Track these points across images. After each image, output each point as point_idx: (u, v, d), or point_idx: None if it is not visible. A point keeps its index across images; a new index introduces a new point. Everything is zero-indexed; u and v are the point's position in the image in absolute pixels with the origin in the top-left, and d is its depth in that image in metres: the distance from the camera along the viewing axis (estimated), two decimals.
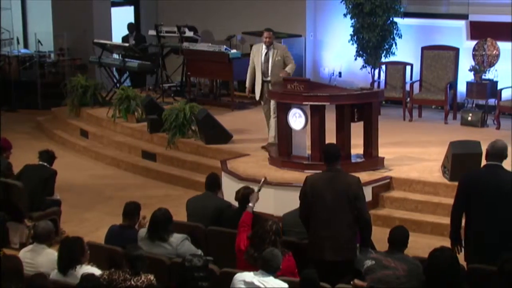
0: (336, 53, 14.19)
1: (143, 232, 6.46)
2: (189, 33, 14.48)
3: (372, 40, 12.82)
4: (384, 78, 13.21)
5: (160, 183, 10.91)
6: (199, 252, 6.18)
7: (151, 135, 11.98)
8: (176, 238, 6.35)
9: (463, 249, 6.38)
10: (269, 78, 10.20)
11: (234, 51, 13.32)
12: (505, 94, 11.87)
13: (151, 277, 5.44)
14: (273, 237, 5.93)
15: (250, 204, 6.67)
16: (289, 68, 10.18)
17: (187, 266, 5.20)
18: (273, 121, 10.23)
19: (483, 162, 8.63)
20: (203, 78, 14.40)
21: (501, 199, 6.09)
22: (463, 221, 6.39)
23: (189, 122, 11.37)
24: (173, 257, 6.16)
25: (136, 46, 14.84)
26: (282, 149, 9.86)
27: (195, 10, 15.41)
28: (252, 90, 10.64)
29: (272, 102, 10.11)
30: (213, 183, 7.46)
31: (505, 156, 6.31)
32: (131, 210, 6.79)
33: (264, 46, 10.28)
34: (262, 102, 10.54)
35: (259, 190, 6.90)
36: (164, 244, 6.30)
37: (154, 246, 6.30)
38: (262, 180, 7.23)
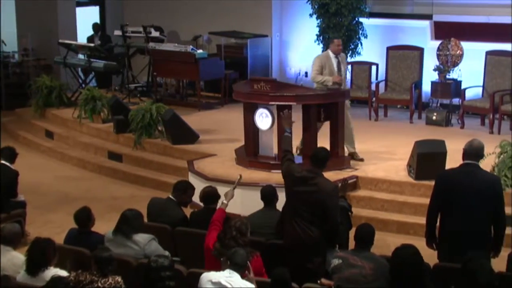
0: (302, 53, 14.23)
1: (109, 234, 6.42)
2: (155, 33, 14.44)
3: None
4: (350, 77, 13.27)
5: (126, 184, 10.86)
6: (167, 253, 6.16)
7: (117, 136, 11.91)
8: (143, 238, 6.32)
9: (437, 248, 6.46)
10: (342, 87, 9.80)
11: (200, 51, 13.30)
12: (469, 94, 12.00)
13: (119, 278, 5.41)
14: (234, 233, 5.92)
15: (224, 201, 6.65)
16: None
17: (154, 267, 5.18)
18: (352, 129, 9.86)
19: (448, 161, 8.84)
20: (169, 78, 14.36)
21: (478, 198, 6.13)
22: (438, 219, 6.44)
23: (155, 122, 11.33)
24: (140, 258, 6.13)
25: (102, 46, 14.75)
26: (249, 149, 9.86)
27: (161, 10, 15.36)
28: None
29: (348, 113, 9.75)
30: (180, 188, 7.42)
31: (481, 156, 6.36)
32: (83, 218, 6.71)
33: (332, 55, 9.79)
34: None
35: (234, 188, 6.89)
36: (131, 244, 6.27)
37: (121, 247, 6.26)
38: (238, 178, 7.21)
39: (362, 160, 9.78)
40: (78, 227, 6.70)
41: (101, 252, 5.54)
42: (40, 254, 5.72)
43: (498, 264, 6.15)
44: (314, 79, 9.85)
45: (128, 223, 6.31)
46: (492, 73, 11.99)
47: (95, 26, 15.79)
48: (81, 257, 6.14)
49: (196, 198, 7.59)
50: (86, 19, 16.01)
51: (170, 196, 7.32)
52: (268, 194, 7.12)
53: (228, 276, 5.29)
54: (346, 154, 9.75)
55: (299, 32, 14.23)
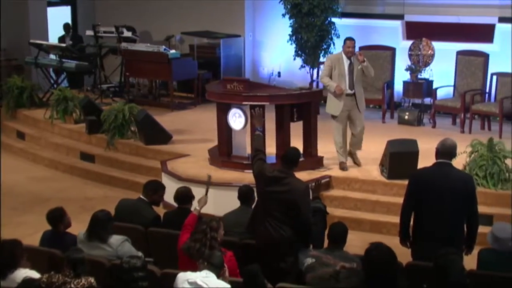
0: (275, 53, 14.26)
1: (81, 234, 6.39)
2: (127, 33, 14.40)
3: (311, 40, 12.93)
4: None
5: (99, 185, 10.80)
6: (140, 253, 6.14)
7: (90, 136, 11.85)
8: (116, 239, 6.29)
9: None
10: (353, 91, 9.30)
11: (173, 51, 13.28)
12: (440, 93, 12.10)
13: (92, 279, 5.38)
14: (203, 227, 5.93)
15: (197, 208, 6.64)
16: (371, 68, 9.37)
17: (126, 268, 5.16)
18: (362, 132, 9.51)
19: (420, 160, 8.90)
20: (142, 79, 14.32)
21: (451, 197, 6.17)
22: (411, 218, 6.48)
23: (128, 122, 11.29)
24: (113, 259, 6.11)
25: (73, 47, 14.66)
26: (222, 149, 9.86)
27: (133, 10, 15.31)
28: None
29: (359, 117, 9.43)
30: (151, 188, 7.40)
31: (454, 154, 6.40)
32: (55, 218, 6.67)
33: (345, 57, 9.32)
34: (338, 118, 9.41)
35: (206, 193, 6.87)
36: (103, 245, 6.24)
37: (93, 248, 6.23)
38: (207, 179, 7.16)
39: (359, 165, 9.67)
40: (52, 228, 6.65)
41: (73, 253, 5.50)
42: (9, 255, 5.66)
43: (471, 261, 6.21)
44: (321, 79, 9.74)
45: (103, 226, 6.27)
46: (463, 73, 12.10)
47: (66, 26, 15.69)
48: (54, 258, 6.10)
49: (169, 199, 7.57)
50: (58, 19, 15.90)
51: (141, 196, 7.29)
52: (245, 194, 7.14)
53: (204, 277, 5.29)
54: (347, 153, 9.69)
55: (272, 32, 14.26)
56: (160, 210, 7.56)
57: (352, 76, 9.25)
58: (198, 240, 5.91)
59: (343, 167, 9.58)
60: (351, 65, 9.26)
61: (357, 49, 9.19)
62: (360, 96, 9.37)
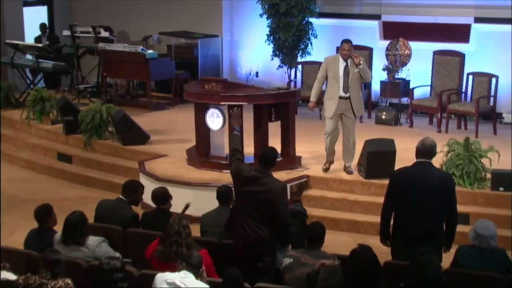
0: (253, 53, 14.27)
1: (58, 235, 6.35)
2: (104, 34, 14.34)
3: (288, 40, 12.96)
4: (300, 77, 13.37)
5: (76, 185, 10.76)
6: (117, 254, 6.12)
7: (67, 137, 11.80)
8: (93, 240, 6.27)
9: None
10: (348, 94, 9.11)
11: (150, 51, 13.25)
12: (417, 93, 12.16)
13: (69, 280, 5.36)
14: (176, 228, 5.92)
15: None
16: (366, 69, 9.16)
17: (106, 269, 5.15)
18: (352, 141, 9.35)
19: (397, 159, 8.95)
20: (119, 79, 14.27)
21: (432, 196, 6.21)
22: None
23: (105, 123, 11.26)
24: (91, 260, 6.08)
25: (50, 47, 14.58)
26: (200, 149, 9.86)
27: (110, 10, 15.24)
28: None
29: (354, 122, 9.30)
30: (130, 188, 7.38)
31: (434, 153, 6.42)
32: (42, 214, 6.65)
33: (341, 59, 9.12)
34: (329, 120, 9.28)
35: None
36: (81, 247, 6.21)
37: (71, 250, 6.20)
38: (185, 205, 7.17)
39: (351, 173, 9.51)
40: (39, 225, 6.63)
41: (50, 255, 5.48)
42: None
43: (450, 260, 6.25)
44: (316, 82, 9.46)
45: (76, 230, 6.23)
46: (439, 72, 12.17)
47: (42, 26, 15.59)
48: (31, 260, 6.06)
49: (147, 199, 7.56)
50: (34, 19, 15.79)
51: (120, 197, 7.28)
52: (223, 194, 7.15)
53: (183, 277, 5.29)
54: (342, 167, 9.53)
55: (249, 32, 14.27)
56: (138, 210, 7.54)
57: (347, 79, 9.07)
58: (173, 243, 5.89)
59: (325, 167, 9.56)
60: (346, 67, 9.08)
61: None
62: (357, 100, 9.16)
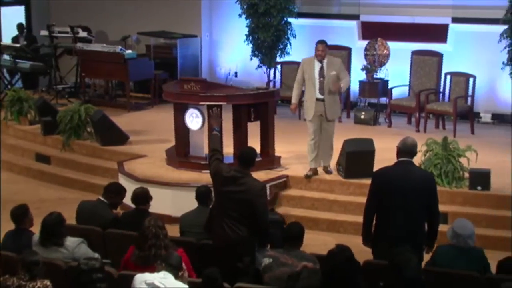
0: (232, 53, 14.27)
1: (36, 236, 6.31)
2: (82, 34, 14.29)
3: (267, 40, 12.97)
4: (279, 77, 13.38)
5: (55, 186, 10.70)
6: (96, 255, 6.10)
7: (45, 138, 11.73)
8: (71, 241, 6.24)
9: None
10: (323, 96, 9.05)
11: (129, 51, 13.21)
12: (395, 93, 12.22)
13: (47, 282, 5.34)
14: (154, 230, 5.91)
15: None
16: (345, 82, 9.11)
17: (85, 269, 5.13)
18: (329, 142, 9.29)
19: (376, 159, 8.98)
20: (98, 79, 14.21)
21: (414, 195, 6.22)
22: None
23: (84, 123, 11.21)
24: (69, 261, 6.05)
25: (28, 47, 14.49)
26: (179, 149, 9.84)
27: (88, 10, 15.17)
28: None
29: (332, 124, 9.22)
30: (113, 190, 7.35)
31: (415, 153, 6.44)
32: (19, 215, 6.61)
33: (316, 60, 9.07)
34: (309, 122, 9.23)
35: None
36: (59, 248, 6.18)
37: (49, 251, 6.17)
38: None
39: (330, 173, 9.48)
40: (16, 226, 6.58)
41: (28, 256, 5.45)
42: None
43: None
44: (295, 84, 9.41)
45: (54, 231, 6.19)
46: (417, 72, 12.23)
47: (19, 26, 15.48)
48: (9, 261, 6.02)
49: (127, 200, 7.54)
50: (11, 19, 15.68)
51: (101, 198, 7.26)
52: (202, 194, 7.15)
53: (162, 277, 5.28)
54: (320, 169, 9.47)
55: (228, 32, 14.26)
56: (117, 211, 7.52)
57: (322, 81, 9.01)
58: (152, 246, 5.87)
59: (307, 174, 9.46)
60: (322, 69, 9.02)
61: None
62: (331, 102, 9.09)
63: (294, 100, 9.37)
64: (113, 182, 7.75)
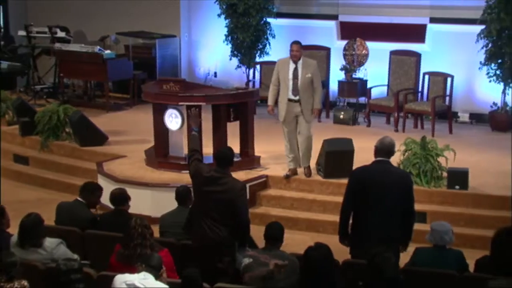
0: (211, 53, 14.25)
1: (15, 238, 6.28)
2: (61, 34, 14.21)
3: (246, 40, 12.98)
4: (259, 77, 13.39)
5: (33, 187, 10.63)
6: (75, 256, 6.08)
7: (23, 138, 11.65)
8: (50, 242, 6.21)
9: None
10: (298, 97, 8.99)
11: (108, 51, 13.16)
12: (374, 93, 12.27)
13: (25, 282, 5.31)
14: (140, 230, 5.90)
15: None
16: (318, 102, 9.06)
17: (63, 269, 5.11)
18: (306, 143, 9.18)
19: (355, 159, 9.02)
20: (76, 79, 14.15)
21: (390, 194, 6.26)
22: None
23: (63, 124, 11.16)
24: (48, 262, 6.03)
25: (5, 47, 14.40)
26: (159, 150, 9.83)
27: (66, 10, 15.09)
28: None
29: (304, 125, 9.14)
30: (88, 189, 7.33)
31: (393, 152, 6.48)
32: None
33: (291, 61, 9.01)
34: (284, 124, 9.24)
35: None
36: (38, 249, 6.15)
37: (28, 252, 6.13)
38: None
39: (309, 175, 9.41)
40: None
41: (6, 257, 5.42)
42: None
43: (407, 259, 6.33)
44: (271, 85, 9.35)
45: (32, 232, 6.16)
46: (396, 72, 12.29)
47: None
48: None
49: (106, 200, 7.52)
50: None
51: (78, 198, 7.24)
52: (182, 194, 7.15)
53: (142, 278, 5.27)
54: (300, 169, 9.44)
55: (207, 32, 14.24)
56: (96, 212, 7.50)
57: (296, 81, 8.96)
58: (138, 245, 5.86)
59: (286, 174, 9.47)
60: (295, 70, 8.97)
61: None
62: (307, 104, 9.04)
63: (269, 102, 9.32)
64: (88, 181, 7.72)
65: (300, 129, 9.19)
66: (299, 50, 8.99)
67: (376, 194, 6.28)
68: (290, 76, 9.01)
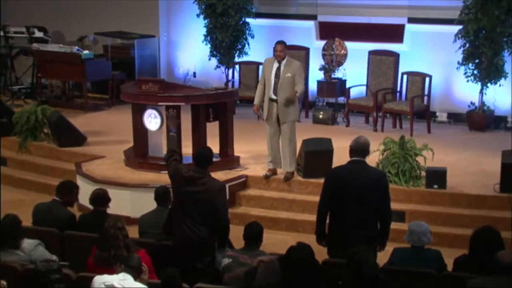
0: (190, 53, 14.24)
1: None
2: (38, 34, 14.14)
3: (225, 40, 12.98)
4: (238, 77, 13.39)
5: (11, 188, 10.54)
6: (54, 257, 6.06)
7: (1, 139, 11.56)
8: (28, 244, 6.18)
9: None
10: (277, 98, 8.97)
11: (86, 52, 13.11)
12: (353, 92, 12.30)
13: (4, 282, 5.30)
14: (112, 231, 5.89)
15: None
16: (299, 89, 8.87)
17: (42, 270, 5.09)
18: (289, 147, 9.12)
19: (334, 158, 9.05)
20: (54, 80, 14.07)
21: (366, 193, 6.28)
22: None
23: (41, 124, 11.10)
24: (27, 264, 6.00)
25: None
26: (138, 150, 9.80)
27: (44, 10, 15.00)
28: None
29: (287, 127, 9.05)
30: (65, 188, 7.29)
31: (368, 152, 6.52)
32: None
33: (275, 61, 8.97)
34: (267, 123, 9.19)
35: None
36: (16, 251, 6.12)
37: (6, 254, 6.10)
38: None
39: (287, 179, 9.33)
40: None
41: None
42: None
43: (386, 257, 6.35)
44: (258, 85, 9.35)
45: (10, 234, 6.13)
46: (374, 72, 12.34)
47: None
48: None
49: (85, 201, 7.49)
50: None
51: (55, 198, 7.20)
52: (161, 195, 7.14)
53: (121, 279, 5.27)
54: (280, 173, 9.38)
55: (186, 32, 14.23)
56: (75, 212, 7.46)
57: (277, 81, 8.91)
58: (111, 247, 5.85)
59: (265, 174, 9.45)
60: (278, 69, 8.93)
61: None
62: (284, 105, 8.95)
63: (255, 101, 9.29)
64: (64, 180, 7.65)
65: (282, 132, 9.14)
66: (283, 50, 8.95)
67: (352, 194, 6.30)
68: (273, 75, 8.98)
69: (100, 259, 5.89)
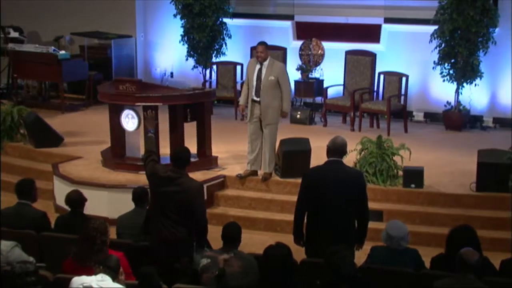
0: (168, 53, 14.21)
1: None
2: (14, 34, 14.07)
3: (203, 40, 12.97)
4: (215, 78, 13.38)
5: None
6: (31, 258, 6.01)
7: None
8: (5, 245, 6.13)
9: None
10: (259, 99, 8.91)
11: (62, 52, 13.05)
12: (330, 92, 12.34)
13: None
14: (94, 233, 5.83)
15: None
16: (286, 105, 8.93)
17: (18, 272, 5.06)
18: (269, 148, 9.09)
19: (312, 158, 9.07)
20: (30, 80, 13.98)
21: (343, 193, 6.30)
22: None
23: (17, 125, 11.03)
24: (4, 266, 5.95)
25: None
26: (115, 150, 9.77)
27: (20, 10, 14.90)
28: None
29: (268, 128, 9.02)
30: (25, 187, 7.20)
31: (345, 152, 6.53)
32: None
33: (257, 62, 8.92)
34: (249, 124, 9.14)
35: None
36: None
37: None
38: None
39: (265, 180, 9.33)
40: None
41: None
42: None
43: (364, 257, 6.38)
44: (243, 85, 9.34)
45: None
46: (352, 72, 12.39)
47: None
48: None
49: (62, 202, 7.44)
50: None
51: (20, 201, 7.07)
52: (139, 195, 7.13)
53: (100, 280, 5.24)
54: (260, 175, 9.36)
55: (163, 32, 14.20)
56: (53, 214, 7.41)
57: (259, 82, 8.88)
58: (86, 247, 5.81)
59: (239, 174, 9.45)
60: (260, 71, 8.90)
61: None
62: (266, 107, 8.93)
63: (240, 101, 9.32)
64: (20, 180, 7.47)
65: (265, 134, 9.13)
66: (263, 51, 8.90)
67: (330, 194, 6.32)
68: (255, 77, 8.96)
69: (75, 255, 5.84)
